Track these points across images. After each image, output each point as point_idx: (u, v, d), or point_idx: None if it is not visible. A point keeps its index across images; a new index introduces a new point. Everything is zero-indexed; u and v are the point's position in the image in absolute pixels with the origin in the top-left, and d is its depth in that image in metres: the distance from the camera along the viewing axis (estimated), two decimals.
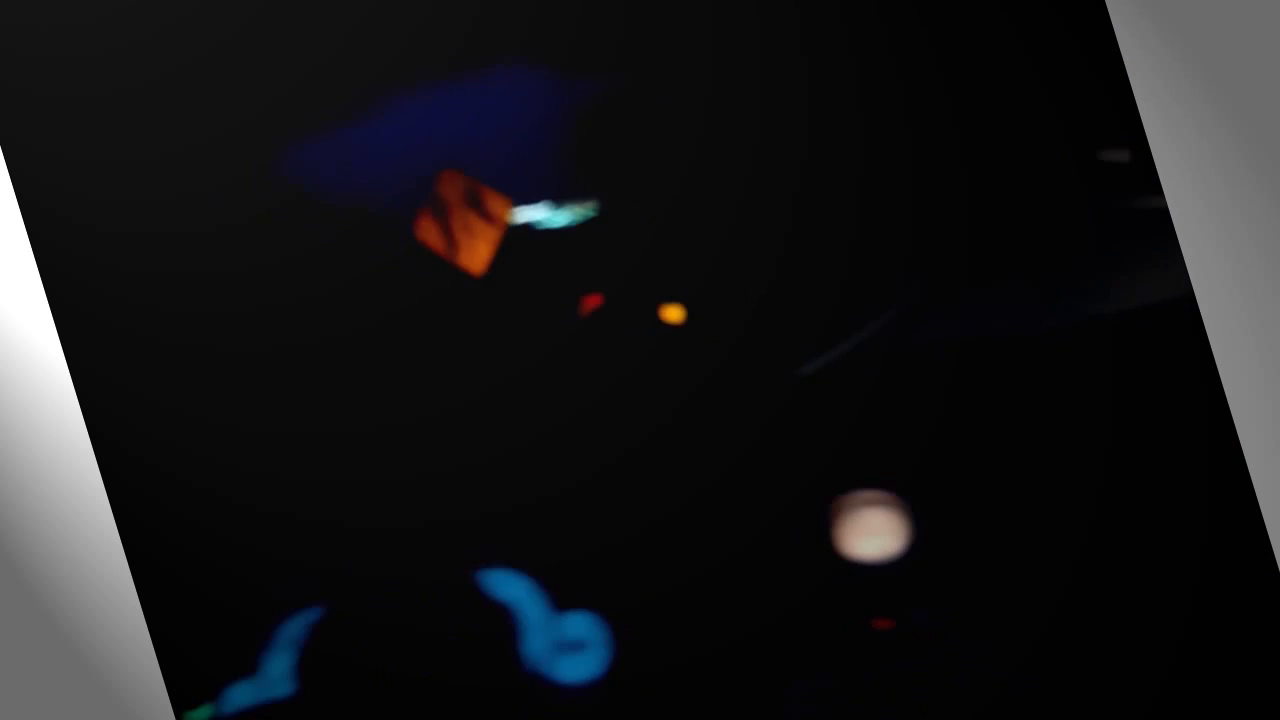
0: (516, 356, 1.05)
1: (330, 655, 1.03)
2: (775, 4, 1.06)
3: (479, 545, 1.03)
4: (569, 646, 1.03)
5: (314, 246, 1.04)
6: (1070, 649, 1.04)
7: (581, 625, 1.03)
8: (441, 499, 1.04)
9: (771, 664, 1.04)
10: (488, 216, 0.96)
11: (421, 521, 1.04)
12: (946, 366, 1.04)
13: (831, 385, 1.04)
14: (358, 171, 1.04)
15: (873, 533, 1.04)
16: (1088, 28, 1.05)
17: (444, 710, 1.04)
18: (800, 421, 1.04)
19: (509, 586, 1.03)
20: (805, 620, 1.04)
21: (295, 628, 1.02)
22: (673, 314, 1.02)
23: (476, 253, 1.01)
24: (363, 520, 1.04)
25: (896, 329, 1.02)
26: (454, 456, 1.04)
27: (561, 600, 1.04)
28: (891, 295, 1.03)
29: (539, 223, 0.95)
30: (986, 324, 1.04)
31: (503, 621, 1.03)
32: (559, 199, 0.99)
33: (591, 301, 1.02)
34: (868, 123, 1.05)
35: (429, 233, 0.97)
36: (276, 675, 1.02)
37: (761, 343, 1.05)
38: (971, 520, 1.04)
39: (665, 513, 1.04)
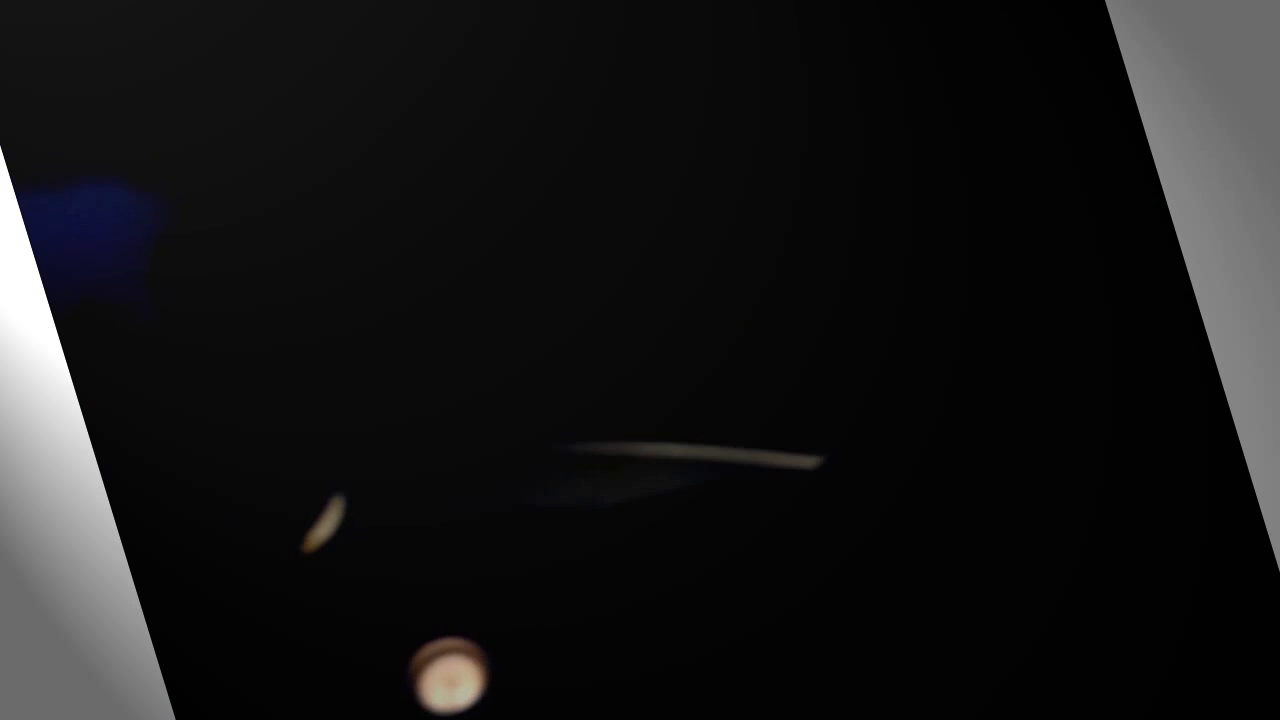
0: (517, 356, 1.05)
1: (330, 654, 1.03)
2: (775, 9, 1.06)
3: None
4: None
5: (314, 246, 1.04)
6: (1070, 649, 1.04)
7: None
8: (441, 498, 1.04)
9: None
10: None
11: (422, 520, 1.04)
12: (947, 364, 1.05)
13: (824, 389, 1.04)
14: None
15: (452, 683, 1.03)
16: (1088, 28, 1.05)
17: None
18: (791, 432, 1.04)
19: None
20: None
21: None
22: None
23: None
24: (363, 520, 1.03)
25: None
26: (454, 456, 1.04)
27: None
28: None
29: None
30: None
31: None
32: None
33: None
34: (868, 125, 1.05)
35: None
36: None
37: (761, 342, 1.05)
38: (971, 518, 1.04)
39: (660, 516, 1.05)
